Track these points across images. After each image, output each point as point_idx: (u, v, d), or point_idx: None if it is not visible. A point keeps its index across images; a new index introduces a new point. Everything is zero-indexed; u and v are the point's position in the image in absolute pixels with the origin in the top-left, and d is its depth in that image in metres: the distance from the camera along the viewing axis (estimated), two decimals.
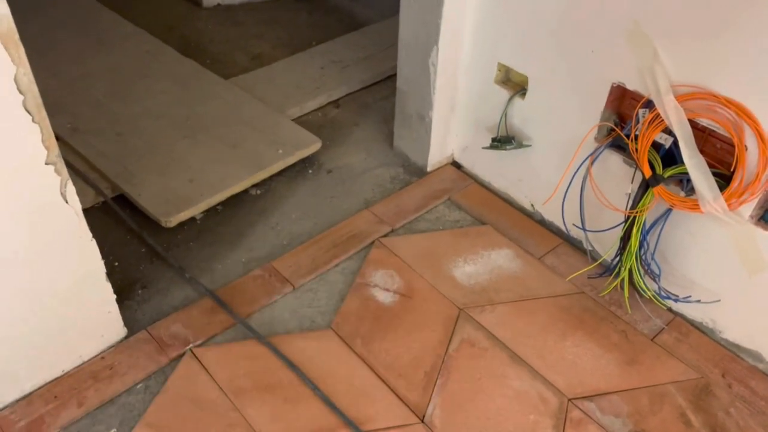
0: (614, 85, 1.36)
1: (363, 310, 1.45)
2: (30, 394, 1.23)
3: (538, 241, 1.63)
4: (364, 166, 1.88)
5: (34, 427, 1.19)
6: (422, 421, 1.24)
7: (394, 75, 1.80)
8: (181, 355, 1.33)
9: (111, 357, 1.32)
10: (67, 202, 1.09)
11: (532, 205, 1.69)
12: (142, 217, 1.60)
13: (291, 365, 1.32)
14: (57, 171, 1.05)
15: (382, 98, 2.16)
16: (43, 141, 1.00)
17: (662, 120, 1.24)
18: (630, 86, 1.33)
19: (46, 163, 1.03)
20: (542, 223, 1.68)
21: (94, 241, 1.17)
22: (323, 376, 1.30)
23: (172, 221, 1.57)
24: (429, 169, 1.84)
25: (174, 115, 1.89)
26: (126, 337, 1.35)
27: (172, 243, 1.59)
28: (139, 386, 1.28)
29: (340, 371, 1.32)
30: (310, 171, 1.86)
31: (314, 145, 1.84)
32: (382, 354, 1.36)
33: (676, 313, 1.46)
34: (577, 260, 1.57)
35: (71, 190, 1.09)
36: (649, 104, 1.29)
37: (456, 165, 1.87)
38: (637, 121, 1.30)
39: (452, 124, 1.77)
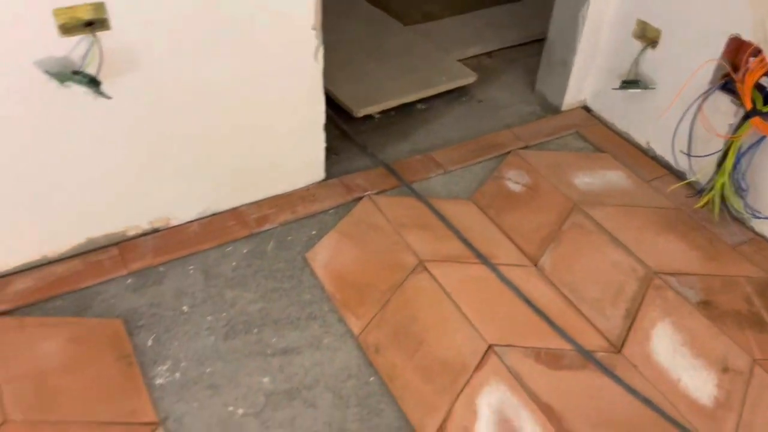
0: (731, 37, 1.68)
1: (497, 192, 1.87)
2: (260, 200, 1.76)
3: (648, 170, 1.97)
4: (507, 101, 2.30)
5: (261, 220, 1.72)
6: (535, 266, 1.64)
7: (541, 40, 2.21)
8: (361, 198, 1.81)
9: (313, 189, 1.83)
10: (316, 61, 1.60)
11: (647, 143, 2.03)
12: (338, 109, 2.11)
13: (439, 215, 1.76)
14: (316, 36, 1.56)
15: (528, 56, 2.56)
16: (315, 12, 1.51)
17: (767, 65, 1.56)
18: (745, 37, 1.65)
19: (312, 28, 1.54)
20: (654, 158, 2.01)
21: (323, 96, 1.68)
22: (462, 227, 1.73)
23: (360, 112, 2.07)
24: (563, 108, 2.22)
25: (364, 45, 2.40)
26: (324, 180, 1.86)
27: (358, 129, 2.09)
28: (331, 211, 1.78)
29: (475, 226, 1.75)
30: (464, 98, 2.30)
31: (470, 78, 2.28)
32: (508, 221, 1.77)
33: (758, 234, 1.75)
34: (680, 188, 1.89)
35: (321, 53, 1.60)
36: (758, 53, 1.61)
37: (586, 109, 2.24)
38: (747, 65, 1.62)
39: (590, 70, 2.15)
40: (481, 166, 1.98)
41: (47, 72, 1.24)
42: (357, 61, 2.29)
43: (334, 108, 2.12)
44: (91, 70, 1.26)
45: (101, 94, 1.28)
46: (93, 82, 1.25)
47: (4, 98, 1.25)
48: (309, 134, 1.74)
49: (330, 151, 1.90)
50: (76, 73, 1.24)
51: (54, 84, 1.26)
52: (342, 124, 2.08)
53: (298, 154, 1.76)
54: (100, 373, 1.31)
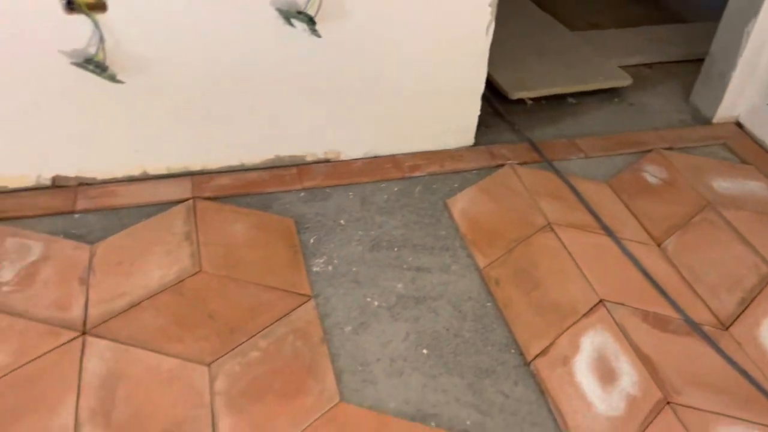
0: None
1: (633, 181, 1.99)
2: (415, 152, 2.03)
3: None
4: (659, 108, 2.39)
5: (413, 168, 1.97)
6: (658, 246, 1.75)
7: (701, 59, 2.28)
8: (503, 165, 2.02)
9: (462, 151, 2.06)
10: (486, 35, 1.84)
11: None
12: (494, 91, 2.33)
13: (573, 189, 1.92)
14: (491, 13, 1.80)
15: (688, 72, 2.61)
16: None
17: None
18: None
19: (488, 5, 1.78)
20: None
21: (486, 68, 1.92)
22: (593, 202, 1.88)
23: (515, 95, 2.28)
24: (714, 121, 2.28)
25: (528, 40, 2.61)
26: (472, 146, 2.09)
27: (509, 110, 2.29)
28: (474, 171, 2.00)
29: (606, 204, 1.88)
30: (616, 100, 2.43)
31: (625, 81, 2.41)
32: (639, 205, 1.89)
33: None
34: None
35: (491, 29, 1.83)
36: None
37: (738, 125, 2.28)
38: None
39: (747, 86, 2.19)
40: (621, 158, 2.10)
41: (278, 9, 1.59)
42: (518, 52, 2.50)
43: (490, 90, 2.35)
44: (311, 11, 1.59)
45: (314, 32, 1.60)
46: (311, 21, 1.57)
47: (250, 32, 1.62)
48: (467, 100, 1.98)
49: (481, 124, 2.12)
50: (299, 12, 1.58)
51: (281, 21, 1.61)
52: (495, 103, 2.30)
53: (454, 117, 2.01)
54: (273, 254, 1.63)
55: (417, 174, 1.96)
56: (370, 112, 1.90)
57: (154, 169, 1.82)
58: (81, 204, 1.72)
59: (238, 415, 1.26)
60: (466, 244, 1.73)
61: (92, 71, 1.53)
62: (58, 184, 1.76)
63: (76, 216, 1.69)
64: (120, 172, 1.80)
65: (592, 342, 1.46)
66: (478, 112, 2.03)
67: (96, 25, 1.50)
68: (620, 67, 2.60)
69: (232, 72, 1.70)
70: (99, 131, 1.69)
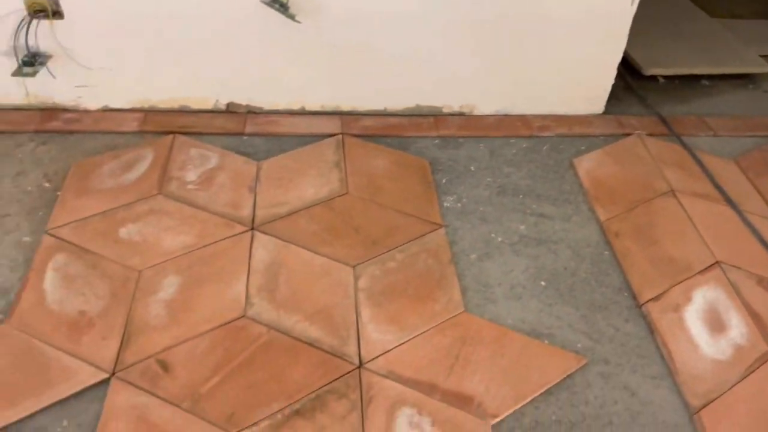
0: None
1: (761, 161, 2.01)
2: (545, 114, 2.15)
3: None
4: None
5: (543, 128, 2.10)
6: None
7: None
8: (630, 134, 2.10)
9: (591, 118, 2.16)
10: (631, 6, 1.93)
11: None
12: (628, 67, 2.40)
13: (699, 162, 1.97)
14: None
15: None
16: None
17: None
18: None
19: None
20: None
21: (626, 39, 2.00)
22: (717, 175, 1.92)
23: (649, 71, 2.34)
24: None
25: (666, 23, 2.64)
26: (601, 114, 2.18)
27: (641, 86, 2.36)
28: (601, 137, 2.09)
29: (731, 178, 1.93)
30: (751, 86, 2.42)
31: (763, 68, 2.39)
32: (765, 184, 1.92)
33: None
34: None
35: (636, 0, 1.92)
36: None
37: None
38: None
39: None
40: (752, 139, 2.13)
41: None
42: (656, 32, 2.54)
43: (624, 65, 2.41)
44: None
45: None
46: None
47: None
48: (603, 70, 2.08)
49: (612, 96, 2.20)
50: None
51: None
52: (628, 78, 2.37)
53: (588, 84, 2.11)
54: (409, 187, 1.82)
55: (546, 134, 2.08)
56: (509, 71, 2.04)
57: (311, 105, 2.06)
58: (249, 128, 1.99)
59: (377, 308, 1.47)
60: (589, 199, 1.84)
61: (277, 10, 1.78)
62: (231, 110, 2.04)
63: (245, 138, 1.96)
64: (283, 105, 2.05)
65: (704, 296, 1.55)
66: (612, 82, 2.11)
67: None
68: (760, 55, 2.58)
69: (393, 18, 1.89)
70: (272, 66, 1.95)
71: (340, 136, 1.99)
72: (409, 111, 2.11)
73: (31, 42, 1.79)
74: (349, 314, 1.45)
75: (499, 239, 1.70)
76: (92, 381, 1.26)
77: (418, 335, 1.42)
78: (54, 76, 1.84)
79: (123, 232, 1.59)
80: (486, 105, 2.12)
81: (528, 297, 1.54)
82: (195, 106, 2.02)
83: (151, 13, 1.80)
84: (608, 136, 2.10)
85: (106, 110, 1.99)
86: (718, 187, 1.88)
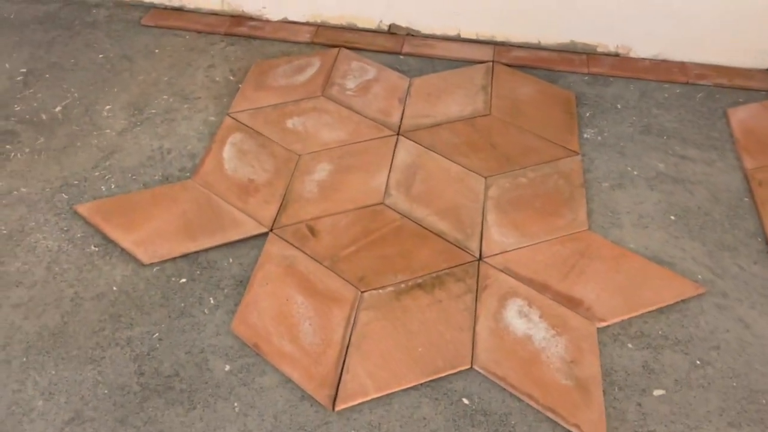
0: None
1: None
2: (704, 64, 2.08)
3: None
4: None
5: (700, 76, 2.04)
6: None
7: None
8: None
9: (753, 72, 2.06)
10: None
11: None
12: None
13: None
14: None
15: None
16: None
17: None
18: None
19: None
20: None
21: None
22: None
23: None
24: None
25: None
26: (765, 69, 2.07)
27: None
28: (763, 92, 1.99)
29: None
30: None
31: None
32: None
33: None
34: None
35: None
36: None
37: None
38: None
39: None
40: None
41: None
42: None
43: None
44: None
45: None
46: None
47: None
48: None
49: None
50: None
51: None
52: None
53: (755, 37, 2.00)
54: (551, 115, 1.88)
55: (702, 82, 2.03)
56: (673, 14, 1.99)
57: (466, 33, 2.16)
58: (406, 48, 2.14)
59: (502, 215, 1.58)
60: (737, 148, 1.79)
61: None
62: (392, 31, 2.20)
63: (401, 57, 2.12)
64: (439, 30, 2.17)
65: None
66: None
67: None
68: None
69: None
70: None
71: (491, 63, 2.08)
72: (562, 47, 2.14)
73: None
74: (475, 216, 1.57)
75: (635, 173, 1.72)
76: (254, 232, 1.51)
77: (538, 243, 1.51)
78: None
79: (289, 122, 1.82)
80: (643, 48, 2.10)
81: (655, 227, 1.57)
82: (361, 24, 2.20)
83: None
84: None
85: (285, 21, 2.23)
86: None
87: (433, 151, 1.75)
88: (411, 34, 2.19)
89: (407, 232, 1.53)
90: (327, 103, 1.89)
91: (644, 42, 2.08)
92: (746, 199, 1.65)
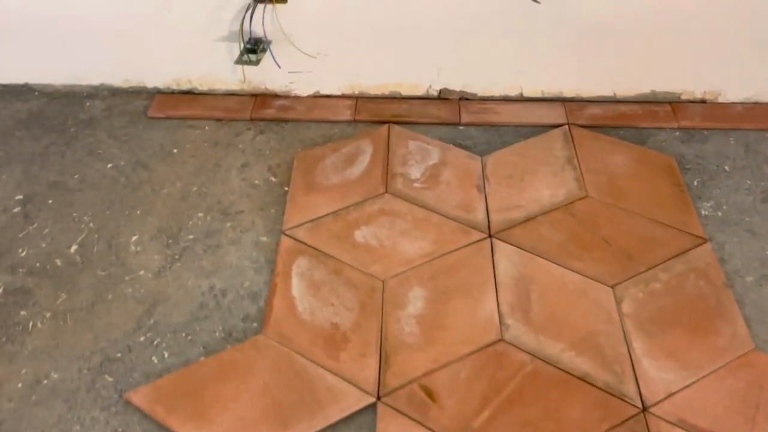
0: None
1: None
2: None
3: None
4: None
5: None
6: None
7: None
8: None
9: None
10: None
11: None
12: None
13: None
14: None
15: None
16: None
17: None
18: None
19: None
20: None
21: None
22: None
23: None
24: None
25: None
26: None
27: None
28: None
29: None
30: None
31: None
32: None
33: None
34: None
35: None
36: None
37: None
38: None
39: None
40: None
41: None
42: None
43: None
44: None
45: None
46: None
47: None
48: None
49: None
50: None
51: None
52: None
53: None
54: (657, 189, 1.62)
55: None
56: (764, 51, 1.74)
57: (529, 91, 1.88)
58: (465, 117, 1.84)
59: (649, 339, 1.30)
60: None
61: None
62: (443, 96, 1.90)
63: (461, 128, 1.83)
64: (498, 91, 1.89)
65: None
66: None
67: None
68: None
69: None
70: (489, 49, 1.78)
71: (566, 126, 1.80)
72: (642, 97, 1.87)
73: (252, 28, 1.73)
74: (618, 344, 1.30)
75: None
76: (359, 405, 1.21)
77: (705, 376, 1.24)
78: (279, 66, 1.78)
79: (358, 234, 1.52)
80: (733, 91, 1.84)
81: None
82: (406, 92, 1.90)
83: None
84: None
85: (317, 96, 1.92)
86: None
87: (539, 256, 1.46)
88: (465, 98, 1.90)
89: (545, 380, 1.24)
90: (395, 202, 1.59)
91: (734, 84, 1.83)
92: None
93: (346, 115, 1.86)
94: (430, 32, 1.75)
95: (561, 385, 1.23)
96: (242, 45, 1.75)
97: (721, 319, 1.33)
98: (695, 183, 1.65)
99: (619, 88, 1.86)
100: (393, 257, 1.47)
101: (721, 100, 1.86)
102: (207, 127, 1.83)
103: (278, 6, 1.70)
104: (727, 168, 1.69)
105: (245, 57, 1.75)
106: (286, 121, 1.85)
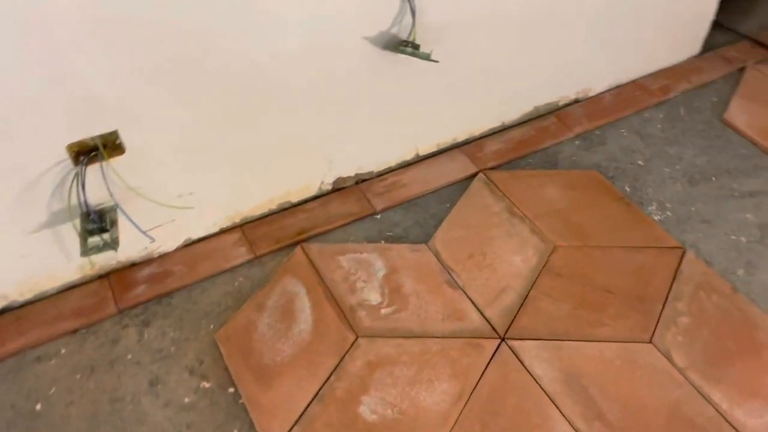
0: None
1: None
2: (654, 72, 1.92)
3: None
4: None
5: (664, 89, 1.87)
6: None
7: None
8: (743, 68, 1.94)
9: (694, 61, 1.97)
10: None
11: None
12: None
13: None
14: None
15: None
16: None
17: None
18: None
19: None
20: None
21: None
22: None
23: None
24: None
25: None
26: (699, 54, 1.99)
27: None
28: (720, 80, 1.91)
29: None
30: None
31: None
32: None
33: None
34: None
35: None
36: None
37: None
38: None
39: None
40: None
41: None
42: None
43: None
44: None
45: None
46: None
47: None
48: (701, 6, 1.87)
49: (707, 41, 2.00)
50: None
51: None
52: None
53: (687, 25, 1.89)
54: (607, 212, 1.54)
55: (671, 95, 1.87)
56: (612, 40, 1.76)
57: (425, 149, 1.66)
58: (376, 203, 1.56)
59: (721, 385, 1.21)
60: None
61: (409, 54, 1.34)
62: (338, 186, 1.59)
63: (378, 216, 1.54)
64: (394, 160, 1.64)
65: None
66: (712, 18, 1.92)
67: None
68: None
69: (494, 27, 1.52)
70: (380, 120, 1.51)
71: (480, 174, 1.63)
72: (527, 116, 1.78)
73: (87, 199, 1.21)
74: (701, 406, 1.18)
75: (744, 239, 1.48)
76: None
77: None
78: (145, 232, 1.28)
79: (365, 412, 1.17)
80: (599, 82, 1.85)
81: None
82: (297, 198, 1.55)
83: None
84: (725, 76, 1.93)
85: (191, 244, 1.46)
86: None
87: (565, 340, 1.28)
88: (362, 179, 1.61)
89: None
90: (376, 346, 1.27)
91: (599, 76, 1.84)
92: None
93: (241, 254, 1.44)
94: (311, 123, 1.41)
95: None
96: (82, 227, 1.22)
97: (756, 328, 1.30)
98: (627, 189, 1.61)
99: (506, 115, 1.74)
100: (423, 422, 1.15)
101: (591, 94, 1.85)
102: (63, 350, 1.27)
103: (114, 160, 1.21)
104: (640, 162, 1.68)
105: (95, 241, 1.22)
106: (168, 294, 1.37)
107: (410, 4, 1.31)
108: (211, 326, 1.31)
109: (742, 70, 1.94)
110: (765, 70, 1.91)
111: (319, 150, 1.48)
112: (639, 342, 1.28)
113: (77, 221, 1.22)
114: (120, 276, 1.39)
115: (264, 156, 1.40)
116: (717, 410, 1.17)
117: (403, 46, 1.33)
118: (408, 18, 1.33)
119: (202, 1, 1.10)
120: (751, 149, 1.70)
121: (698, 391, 1.20)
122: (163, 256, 1.43)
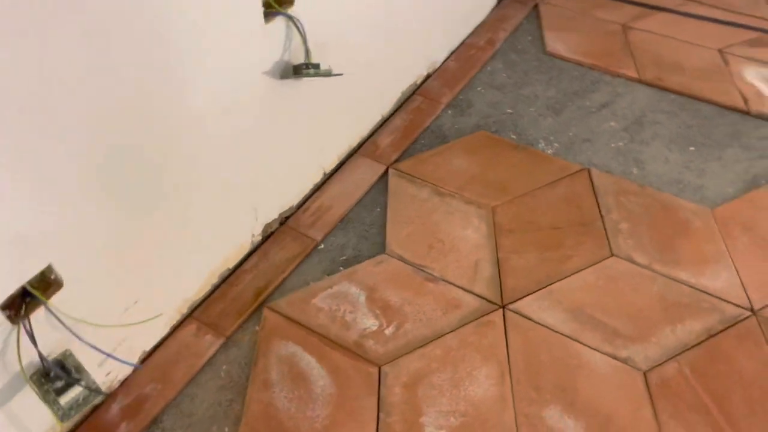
0: None
1: None
2: (475, 29, 2.09)
3: None
4: None
5: (491, 41, 2.06)
6: None
7: None
8: (537, 6, 2.20)
9: (499, 10, 2.18)
10: None
11: None
12: None
13: None
14: None
15: None
16: None
17: None
18: None
19: None
20: None
21: None
22: None
23: None
24: None
25: None
26: (497, 5, 2.22)
27: None
28: (524, 24, 2.15)
29: None
30: None
31: None
32: None
33: None
34: None
35: None
36: None
37: None
38: None
39: None
40: None
41: None
42: None
43: None
44: None
45: None
46: None
47: None
48: None
49: None
50: None
51: None
52: None
53: None
54: (511, 162, 1.66)
55: (498, 45, 2.06)
56: (443, 8, 1.88)
57: (329, 165, 1.63)
58: (313, 234, 1.50)
59: (680, 265, 1.41)
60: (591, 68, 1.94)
61: (311, 75, 1.30)
62: (266, 234, 1.49)
63: (321, 247, 1.48)
64: (308, 187, 1.57)
65: None
66: None
67: (293, 20, 1.25)
68: None
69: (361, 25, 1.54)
70: (292, 149, 1.44)
71: (391, 170, 1.65)
72: (398, 102, 1.83)
73: (40, 351, 0.99)
74: (682, 290, 1.37)
75: (621, 144, 1.72)
76: None
77: None
78: (134, 364, 1.07)
79: (430, 430, 1.15)
80: (440, 53, 1.96)
81: None
82: (234, 261, 1.41)
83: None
84: (527, 17, 2.17)
85: (145, 358, 1.26)
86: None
87: (553, 283, 1.38)
88: (285, 217, 1.53)
89: None
90: (399, 368, 1.24)
91: (438, 50, 1.95)
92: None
93: (209, 342, 1.29)
94: (235, 176, 1.29)
95: None
96: (45, 390, 0.98)
97: (676, 209, 1.52)
98: (514, 137, 1.75)
99: (383, 109, 1.77)
100: (487, 413, 1.17)
101: (438, 65, 1.96)
102: None
103: (53, 300, 1.00)
104: (509, 110, 1.83)
105: (72, 398, 0.99)
106: (155, 420, 1.18)
107: (298, 29, 1.26)
108: (226, 429, 1.16)
109: (536, 7, 2.20)
110: (554, 2, 2.20)
111: (246, 200, 1.36)
112: (604, 259, 1.42)
113: (33, 387, 0.98)
114: (92, 426, 1.15)
115: (195, 229, 1.25)
116: (690, 287, 1.36)
117: (304, 69, 1.28)
118: (295, 42, 1.28)
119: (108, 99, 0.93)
120: (580, 70, 1.95)
121: (668, 278, 1.38)
122: (125, 382, 1.21)
